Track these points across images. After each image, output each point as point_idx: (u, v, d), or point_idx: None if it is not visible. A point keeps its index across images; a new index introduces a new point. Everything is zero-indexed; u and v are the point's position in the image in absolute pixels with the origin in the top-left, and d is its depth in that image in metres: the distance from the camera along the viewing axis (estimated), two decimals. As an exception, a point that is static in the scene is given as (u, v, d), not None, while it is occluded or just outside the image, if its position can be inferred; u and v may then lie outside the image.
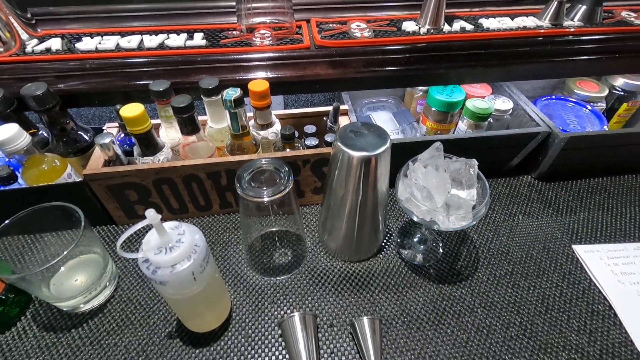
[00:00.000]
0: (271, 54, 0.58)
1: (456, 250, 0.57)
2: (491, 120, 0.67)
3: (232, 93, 0.49)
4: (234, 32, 0.63)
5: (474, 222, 0.46)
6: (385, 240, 0.58)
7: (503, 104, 0.66)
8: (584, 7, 0.66)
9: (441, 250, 0.57)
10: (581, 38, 0.64)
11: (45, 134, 0.58)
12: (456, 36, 0.62)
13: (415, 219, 0.46)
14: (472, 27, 0.65)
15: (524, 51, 0.61)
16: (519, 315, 0.49)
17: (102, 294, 0.50)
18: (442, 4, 0.62)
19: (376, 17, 0.67)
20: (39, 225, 0.47)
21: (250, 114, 0.58)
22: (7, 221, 0.44)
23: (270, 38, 0.61)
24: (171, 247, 0.36)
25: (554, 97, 0.72)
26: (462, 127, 0.66)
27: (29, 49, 0.58)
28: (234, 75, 0.57)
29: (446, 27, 0.64)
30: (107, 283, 0.51)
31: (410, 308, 0.50)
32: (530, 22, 0.66)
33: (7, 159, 0.58)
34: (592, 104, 0.71)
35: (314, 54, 0.58)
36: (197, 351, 0.46)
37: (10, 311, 0.48)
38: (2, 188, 0.52)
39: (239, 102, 0.49)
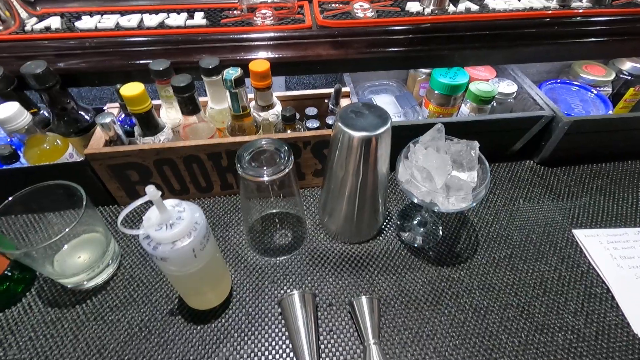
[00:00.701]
0: (272, 34, 0.57)
1: (456, 233, 0.57)
2: (494, 104, 0.66)
3: (233, 72, 0.49)
4: (235, 12, 0.62)
5: (474, 204, 0.46)
6: (385, 223, 0.58)
7: (507, 87, 0.65)
8: (594, -13, 0.65)
9: (441, 233, 0.57)
10: (589, 19, 0.62)
11: (47, 114, 0.58)
12: (461, 17, 0.61)
13: (415, 200, 0.46)
14: (478, 7, 0.63)
15: (530, 33, 0.60)
16: (517, 297, 0.50)
17: (105, 271, 0.51)
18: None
19: (379, -3, 0.66)
20: (42, 204, 0.48)
21: (251, 96, 0.58)
22: (10, 198, 0.44)
23: (271, 18, 0.60)
24: (172, 223, 0.36)
25: (559, 80, 0.71)
26: (465, 111, 0.66)
27: (28, 27, 0.58)
28: (234, 55, 0.56)
29: (451, 8, 0.63)
30: (110, 261, 0.51)
31: (409, 289, 0.51)
32: (537, 2, 0.65)
33: (9, 138, 0.58)
34: (598, 88, 0.70)
35: (315, 34, 0.58)
36: (199, 327, 0.47)
37: (15, 288, 0.49)
38: (4, 167, 0.52)
39: (239, 82, 0.49)
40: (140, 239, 0.37)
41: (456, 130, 0.56)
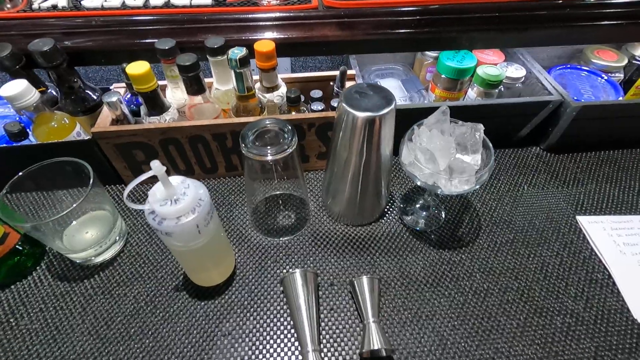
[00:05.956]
0: (277, 14, 0.57)
1: (458, 217, 0.57)
2: (502, 89, 0.65)
3: (238, 52, 0.49)
4: (241, -9, 0.61)
5: (477, 187, 0.46)
6: (388, 207, 0.59)
7: (515, 71, 0.64)
8: (609, -32, 0.63)
9: (443, 217, 0.57)
10: (604, 1, 0.61)
11: (55, 93, 0.58)
12: (471, -2, 0.60)
13: (418, 182, 0.47)
14: (489, -12, 0.62)
15: (541, 15, 0.59)
16: (517, 281, 0.50)
17: (112, 248, 0.52)
18: (458, -37, 0.59)
19: (388, -23, 0.64)
20: (51, 181, 0.49)
21: (256, 77, 0.58)
22: (20, 173, 0.45)
23: (277, -2, 0.60)
24: (176, 199, 0.37)
25: (569, 66, 0.70)
26: (472, 95, 0.65)
27: (35, 5, 0.58)
28: (239, 35, 0.56)
29: (461, -11, 0.62)
30: (117, 238, 0.52)
31: (410, 271, 0.51)
32: (549, -16, 0.63)
33: (18, 117, 0.59)
34: (609, 74, 0.69)
35: (321, 14, 0.57)
36: (203, 303, 0.48)
37: (25, 262, 0.50)
38: (13, 144, 0.53)
39: (244, 62, 0.49)
40: (145, 213, 0.38)
41: (462, 114, 0.55)
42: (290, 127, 0.44)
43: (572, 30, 0.60)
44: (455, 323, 0.46)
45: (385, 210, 0.58)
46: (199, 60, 0.50)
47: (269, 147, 0.43)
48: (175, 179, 0.38)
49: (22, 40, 0.51)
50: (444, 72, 0.64)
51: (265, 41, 0.52)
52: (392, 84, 0.71)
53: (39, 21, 0.55)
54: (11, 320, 0.46)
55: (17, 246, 0.49)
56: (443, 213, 0.58)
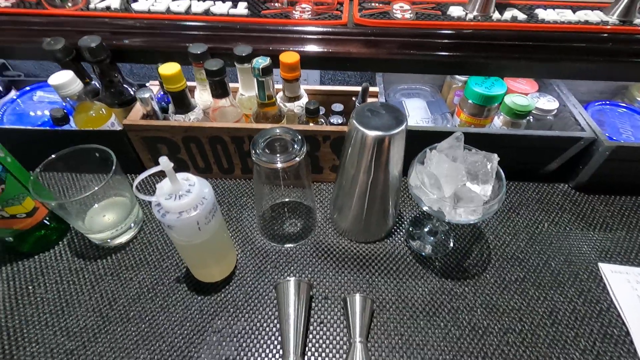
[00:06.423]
0: (306, 28, 0.59)
1: (467, 247, 0.55)
2: (531, 120, 0.62)
3: (262, 62, 0.51)
4: (276, 4, 0.64)
5: (483, 218, 0.44)
6: (395, 227, 0.58)
7: (547, 103, 0.61)
8: (663, 4, 0.59)
9: (452, 245, 0.55)
10: (652, 38, 0.57)
11: (97, 85, 0.64)
12: (504, 25, 0.58)
13: (423, 207, 0.46)
14: (526, 17, 0.60)
15: (579, 47, 0.56)
16: (521, 323, 0.47)
17: (127, 233, 0.55)
18: (494, -11, 0.58)
19: (422, -1, 0.65)
20: (80, 165, 0.53)
21: (280, 87, 0.60)
22: (52, 156, 0.49)
23: (309, 12, 0.62)
24: (180, 195, 0.39)
25: (608, 102, 0.66)
26: (498, 123, 0.63)
27: (92, 5, 0.64)
28: (267, 45, 0.58)
29: (496, 15, 0.60)
30: (132, 224, 0.56)
31: (408, 295, 0.50)
32: (594, 16, 0.60)
33: (63, 104, 0.65)
34: (655, 115, 0.64)
35: (348, 31, 0.58)
36: (199, 297, 0.49)
37: (50, 235, 0.55)
38: (56, 128, 0.59)
39: (266, 71, 0.51)
40: (152, 205, 0.40)
41: (485, 142, 0.54)
42: (300, 137, 0.46)
43: (614, 66, 0.57)
44: (447, 357, 0.44)
45: (393, 230, 0.57)
46: (226, 66, 0.53)
47: (277, 155, 0.44)
48: (182, 176, 0.40)
49: (75, 36, 0.57)
50: (470, 97, 0.62)
51: (291, 53, 0.54)
52: (417, 105, 0.71)
53: (92, 20, 0.61)
54: (30, 287, 0.50)
55: (44, 220, 0.53)
56: (452, 241, 0.56)
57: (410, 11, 0.62)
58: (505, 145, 0.57)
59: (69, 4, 0.64)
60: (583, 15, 0.61)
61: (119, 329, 0.47)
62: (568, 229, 0.58)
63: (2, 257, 0.53)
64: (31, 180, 0.47)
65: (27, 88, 0.74)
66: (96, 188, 0.47)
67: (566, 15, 0.61)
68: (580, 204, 0.61)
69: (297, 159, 0.44)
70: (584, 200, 0.62)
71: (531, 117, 0.62)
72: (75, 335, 0.46)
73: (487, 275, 0.52)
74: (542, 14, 0.61)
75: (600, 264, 0.53)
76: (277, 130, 0.46)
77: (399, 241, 0.56)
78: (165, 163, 0.36)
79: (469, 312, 0.48)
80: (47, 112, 0.69)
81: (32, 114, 0.71)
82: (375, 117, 0.44)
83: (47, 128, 0.58)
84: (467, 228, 0.58)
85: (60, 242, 0.56)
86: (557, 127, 0.63)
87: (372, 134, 0.42)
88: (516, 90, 0.64)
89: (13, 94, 0.74)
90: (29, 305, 0.49)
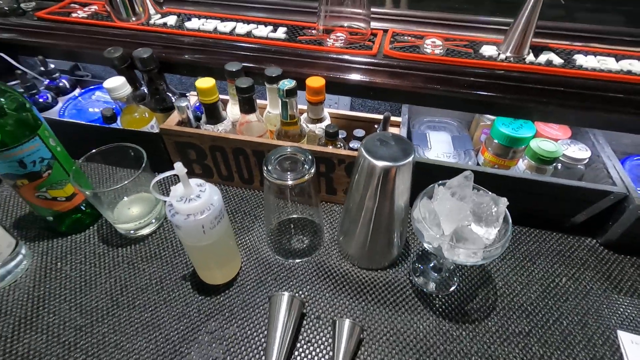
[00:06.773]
0: (335, 55, 0.61)
1: (473, 289, 0.53)
2: (559, 167, 0.60)
3: (287, 84, 0.54)
4: (313, 31, 0.68)
5: (485, 262, 0.43)
6: (400, 258, 0.57)
7: (578, 151, 0.58)
8: None
9: (455, 285, 0.54)
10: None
11: (145, 91, 0.71)
12: (537, 68, 0.57)
13: (423, 242, 0.45)
14: (562, 61, 0.59)
15: (616, 98, 0.53)
16: (518, 380, 0.44)
17: (148, 227, 0.60)
18: (530, 31, 0.58)
19: (455, 36, 0.65)
20: (117, 160, 0.59)
21: (306, 107, 0.63)
22: (93, 150, 0.56)
23: (342, 41, 0.65)
24: (190, 198, 0.42)
25: (650, 157, 0.61)
26: (521, 167, 0.61)
27: (152, 21, 0.72)
28: (297, 69, 0.62)
29: (530, 57, 0.59)
30: (154, 220, 0.61)
31: (400, 329, 0.49)
32: (639, 66, 0.57)
33: (113, 105, 0.73)
34: None
35: (376, 62, 0.60)
36: (200, 297, 0.52)
37: (84, 219, 0.61)
38: (105, 125, 0.66)
39: (290, 93, 0.54)
40: (166, 205, 0.44)
41: (503, 184, 0.52)
42: (311, 158, 0.48)
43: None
44: (431, 401, 0.43)
45: (397, 260, 0.57)
46: (257, 85, 0.57)
47: (287, 173, 0.47)
48: (196, 181, 0.44)
49: (133, 47, 0.64)
50: (496, 137, 0.61)
51: (317, 78, 0.57)
52: (442, 138, 0.70)
53: (149, 34, 0.69)
54: (58, 264, 0.56)
55: (81, 206, 0.59)
56: (456, 281, 0.54)
57: (441, 47, 0.63)
58: (526, 190, 0.55)
59: (133, 19, 0.73)
60: (627, 64, 0.58)
61: (124, 314, 0.50)
62: (589, 287, 0.54)
63: (42, 233, 0.60)
64: (73, 170, 0.54)
65: (90, 87, 0.84)
66: (126, 182, 0.52)
67: (608, 63, 0.58)
68: (607, 262, 0.57)
69: (305, 177, 0.46)
70: (612, 259, 0.57)
71: (560, 164, 0.59)
72: (87, 314, 0.50)
73: (489, 323, 0.50)
74: (581, 59, 0.59)
75: (620, 332, 0.49)
76: (288, 149, 0.48)
77: (402, 273, 0.56)
78: (179, 168, 0.40)
79: (462, 357, 0.46)
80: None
81: (90, 110, 0.80)
82: (383, 147, 0.45)
83: (96, 124, 0.65)
84: (475, 270, 0.56)
85: (91, 227, 0.62)
86: (588, 177, 0.60)
87: (379, 164, 0.43)
88: (546, 135, 0.62)
89: (77, 91, 0.85)
90: (54, 279, 0.54)
